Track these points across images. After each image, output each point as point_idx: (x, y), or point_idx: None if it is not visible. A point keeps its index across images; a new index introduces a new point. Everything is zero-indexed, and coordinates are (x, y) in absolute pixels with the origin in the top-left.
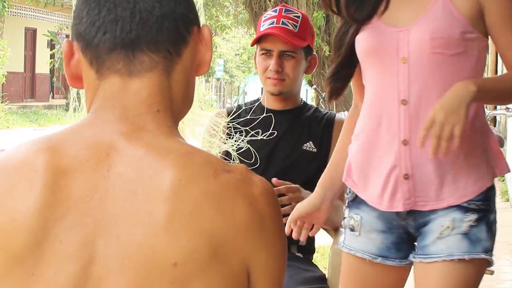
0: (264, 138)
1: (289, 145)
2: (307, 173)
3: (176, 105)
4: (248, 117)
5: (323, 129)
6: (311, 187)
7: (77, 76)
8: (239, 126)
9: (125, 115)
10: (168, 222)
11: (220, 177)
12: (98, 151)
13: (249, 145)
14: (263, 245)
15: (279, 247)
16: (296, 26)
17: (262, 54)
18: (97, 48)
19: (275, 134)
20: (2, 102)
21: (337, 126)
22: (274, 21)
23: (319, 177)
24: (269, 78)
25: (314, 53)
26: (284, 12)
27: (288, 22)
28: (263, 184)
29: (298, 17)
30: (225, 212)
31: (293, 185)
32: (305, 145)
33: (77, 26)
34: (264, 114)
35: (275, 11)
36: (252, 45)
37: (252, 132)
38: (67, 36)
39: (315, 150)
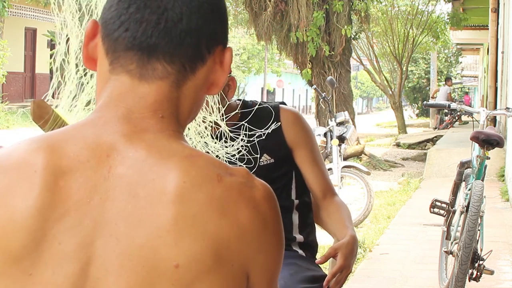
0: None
1: (248, 166)
2: (274, 186)
3: (182, 115)
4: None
5: (271, 133)
6: (284, 197)
7: (92, 58)
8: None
9: (128, 116)
10: (171, 225)
11: (223, 180)
12: (99, 151)
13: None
14: (264, 247)
15: (278, 247)
16: None
17: None
18: (115, 41)
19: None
20: (2, 102)
21: (284, 117)
22: None
23: (289, 184)
24: None
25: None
26: None
27: None
28: (264, 187)
29: None
30: (229, 215)
31: (338, 271)
32: (261, 160)
33: (106, 12)
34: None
35: None
36: None
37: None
38: (67, 35)
39: (272, 160)
